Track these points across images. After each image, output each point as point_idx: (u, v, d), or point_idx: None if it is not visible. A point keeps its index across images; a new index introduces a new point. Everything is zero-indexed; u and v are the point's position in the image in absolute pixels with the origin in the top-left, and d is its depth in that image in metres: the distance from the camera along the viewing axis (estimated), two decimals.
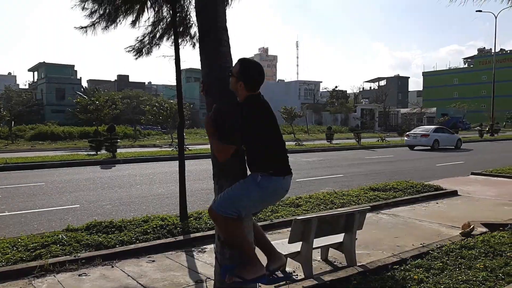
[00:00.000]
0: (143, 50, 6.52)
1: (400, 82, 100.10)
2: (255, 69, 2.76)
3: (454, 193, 9.28)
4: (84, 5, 5.46)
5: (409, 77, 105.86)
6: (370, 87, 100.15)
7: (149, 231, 5.61)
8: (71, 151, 22.67)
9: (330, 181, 11.51)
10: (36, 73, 66.08)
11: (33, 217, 7.36)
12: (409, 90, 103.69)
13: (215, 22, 2.95)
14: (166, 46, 6.38)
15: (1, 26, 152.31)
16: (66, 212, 7.71)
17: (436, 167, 15.43)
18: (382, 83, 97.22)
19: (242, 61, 2.78)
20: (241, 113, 2.68)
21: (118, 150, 19.17)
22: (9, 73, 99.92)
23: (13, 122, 30.26)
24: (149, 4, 6.01)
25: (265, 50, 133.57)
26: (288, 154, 2.93)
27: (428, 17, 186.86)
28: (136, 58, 6.53)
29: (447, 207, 8.00)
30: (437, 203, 8.34)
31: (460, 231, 5.62)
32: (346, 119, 62.45)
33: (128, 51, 6.51)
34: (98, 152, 19.05)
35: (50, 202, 8.64)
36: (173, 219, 6.10)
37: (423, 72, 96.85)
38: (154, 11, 5.95)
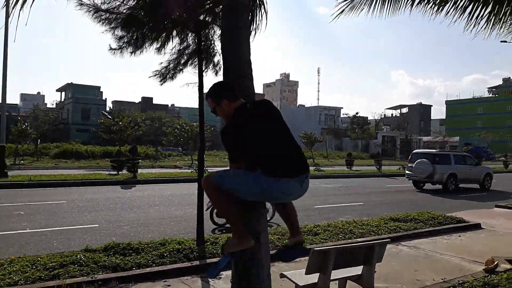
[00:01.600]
0: (168, 76, 6.68)
1: (423, 110, 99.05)
2: (220, 83, 2.93)
3: (477, 226, 9.03)
4: (114, 31, 5.67)
5: (431, 105, 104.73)
6: (392, 114, 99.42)
7: (165, 254, 5.62)
8: (93, 170, 23.08)
9: (349, 209, 11.36)
10: (63, 93, 68.20)
11: (54, 235, 7.48)
12: (432, 118, 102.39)
13: (239, 57, 3.03)
14: (189, 72, 6.53)
15: (32, 48, 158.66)
16: (86, 232, 7.81)
17: (458, 197, 15.07)
18: (404, 110, 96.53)
19: (211, 87, 2.91)
20: (235, 125, 2.77)
21: (139, 171, 19.42)
22: (38, 93, 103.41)
23: (39, 140, 31.07)
24: (174, 32, 6.19)
25: (287, 76, 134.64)
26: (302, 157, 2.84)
27: (451, 46, 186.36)
28: (161, 84, 6.70)
29: (470, 240, 7.78)
30: (459, 236, 8.12)
31: (484, 267, 5.44)
32: (367, 145, 61.95)
33: (154, 75, 6.69)
34: (120, 172, 19.34)
35: (70, 221, 8.78)
36: (190, 243, 6.10)
37: (446, 101, 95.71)
38: (180, 39, 6.13)
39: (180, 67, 6.65)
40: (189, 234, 7.27)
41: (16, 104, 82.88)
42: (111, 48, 5.81)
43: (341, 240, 6.84)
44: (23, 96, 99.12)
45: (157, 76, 6.65)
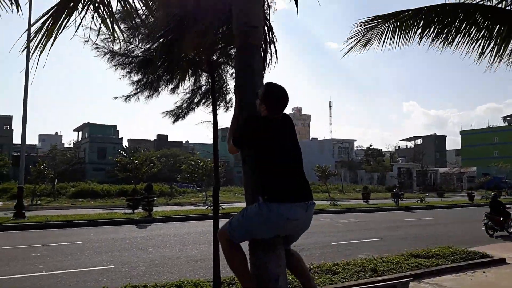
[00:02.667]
0: (181, 115, 6.79)
1: (437, 140, 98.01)
2: (278, 93, 2.89)
3: (502, 261, 8.70)
4: (130, 76, 5.83)
5: (446, 136, 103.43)
6: (406, 146, 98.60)
7: None
8: (109, 209, 23.16)
9: (368, 245, 11.08)
10: (80, 133, 69.62)
11: (69, 277, 7.43)
12: (447, 149, 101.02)
13: (253, 96, 3.07)
14: (201, 110, 6.63)
15: (50, 88, 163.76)
16: (101, 273, 7.74)
17: (480, 231, 14.62)
18: (419, 141, 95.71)
19: (267, 85, 2.94)
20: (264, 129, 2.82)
21: (154, 209, 19.41)
22: (56, 133, 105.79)
23: (56, 180, 31.47)
24: (189, 73, 6.34)
25: (299, 110, 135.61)
26: (303, 181, 2.84)
27: (463, 76, 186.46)
28: (174, 122, 6.80)
29: (495, 276, 7.47)
30: (484, 272, 7.82)
31: None
32: (382, 178, 61.17)
33: (167, 115, 6.81)
34: (135, 211, 19.34)
35: (86, 262, 8.74)
36: (206, 284, 5.99)
37: (460, 131, 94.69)
38: (194, 79, 6.27)
39: (193, 106, 6.76)
40: (205, 275, 7.15)
41: (35, 145, 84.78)
42: (126, 97, 5.96)
43: (361, 279, 6.64)
44: (42, 137, 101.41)
45: (170, 115, 6.76)
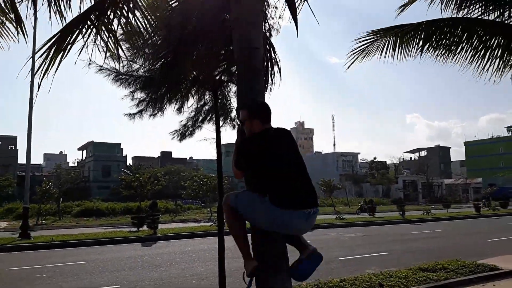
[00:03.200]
0: (187, 134, 6.83)
1: (442, 152, 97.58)
2: (264, 104, 3.06)
3: None
4: (133, 95, 5.91)
5: (450, 147, 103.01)
6: (411, 158, 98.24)
7: None
8: (114, 227, 23.11)
9: (375, 260, 10.98)
10: (85, 151, 69.93)
11: None
12: (452, 160, 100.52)
13: None
14: (206, 128, 6.67)
15: (55, 108, 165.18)
16: None
17: (489, 242, 14.48)
18: (423, 153, 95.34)
19: (252, 102, 3.09)
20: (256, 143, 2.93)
21: (160, 226, 19.36)
22: (61, 152, 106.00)
23: (61, 199, 31.50)
24: (193, 92, 6.40)
25: (301, 124, 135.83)
26: (310, 188, 2.89)
27: (465, 87, 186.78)
28: (180, 141, 6.85)
29: None
30: (494, 285, 7.72)
31: None
32: (387, 190, 60.87)
33: (173, 135, 6.86)
34: (140, 229, 19.28)
35: (92, 282, 8.70)
36: None
37: (465, 142, 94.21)
38: (197, 97, 6.33)
39: (199, 124, 6.81)
40: None
41: (40, 164, 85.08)
42: (130, 114, 6.02)
43: None
44: (46, 156, 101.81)
45: (176, 135, 6.81)
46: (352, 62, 6.22)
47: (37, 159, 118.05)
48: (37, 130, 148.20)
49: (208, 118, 6.85)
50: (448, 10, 5.85)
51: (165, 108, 6.14)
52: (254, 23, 3.18)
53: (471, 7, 5.69)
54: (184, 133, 6.75)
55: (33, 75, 17.20)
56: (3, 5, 3.44)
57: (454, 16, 5.75)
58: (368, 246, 13.89)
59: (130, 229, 19.89)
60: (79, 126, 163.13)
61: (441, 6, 5.69)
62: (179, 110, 6.17)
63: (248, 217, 2.89)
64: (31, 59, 5.01)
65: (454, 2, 5.76)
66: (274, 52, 4.35)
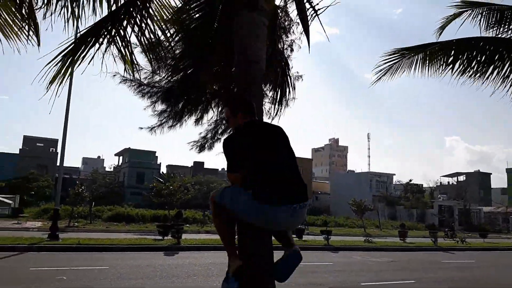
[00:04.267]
0: (206, 146, 6.81)
1: (481, 178, 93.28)
2: (243, 97, 3.07)
3: None
4: (154, 106, 5.96)
5: (491, 173, 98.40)
6: (448, 182, 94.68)
7: None
8: (141, 234, 23.41)
9: None
10: (121, 157, 71.85)
11: None
12: (492, 187, 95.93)
13: None
14: None
15: (94, 114, 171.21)
16: None
17: None
18: (461, 178, 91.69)
19: (231, 97, 3.21)
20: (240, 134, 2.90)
21: (185, 236, 19.43)
22: (98, 157, 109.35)
23: (93, 203, 32.35)
24: (213, 104, 6.39)
25: (336, 141, 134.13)
26: (299, 184, 2.76)
27: (508, 110, 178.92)
28: (199, 153, 6.82)
29: None
30: None
31: None
32: (422, 215, 58.74)
33: (192, 146, 6.85)
34: (165, 237, 19.43)
35: None
36: None
37: (507, 169, 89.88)
38: (217, 110, 6.30)
39: (218, 136, 6.78)
40: None
41: (78, 167, 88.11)
42: (151, 128, 6.07)
43: None
44: (85, 160, 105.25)
45: (195, 146, 6.80)
46: (379, 78, 6.05)
47: (76, 162, 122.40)
48: (76, 135, 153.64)
49: (229, 130, 6.81)
50: (476, 30, 5.59)
51: (185, 119, 6.15)
52: (251, 36, 3.11)
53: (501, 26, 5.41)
54: (203, 144, 6.73)
55: (71, 80, 17.93)
56: (22, 11, 3.54)
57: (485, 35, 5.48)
58: (394, 273, 13.34)
59: (155, 237, 20.08)
60: (118, 133, 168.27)
61: (479, 25, 5.43)
62: (197, 121, 6.16)
63: (234, 211, 2.77)
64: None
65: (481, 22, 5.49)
66: (288, 69, 4.26)
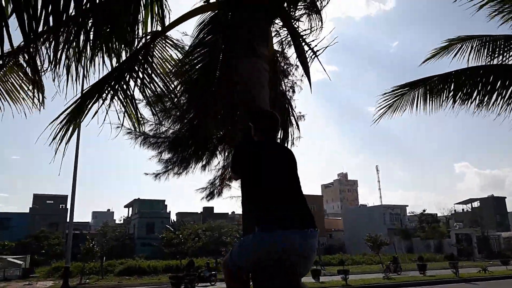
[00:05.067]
0: (215, 192, 6.79)
1: (496, 202, 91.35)
2: (266, 113, 3.04)
3: None
4: (160, 156, 6.00)
5: (505, 197, 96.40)
6: (463, 209, 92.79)
7: None
8: (154, 286, 22.88)
9: None
10: (131, 208, 71.47)
11: None
12: (508, 211, 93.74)
13: None
14: (235, 188, 6.60)
15: (101, 167, 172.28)
16: None
17: None
18: (476, 204, 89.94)
19: (255, 110, 3.10)
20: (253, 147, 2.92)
21: (200, 285, 18.91)
22: (108, 210, 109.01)
23: (104, 258, 31.90)
24: (219, 148, 6.43)
25: (344, 176, 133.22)
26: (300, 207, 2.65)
27: None
28: (208, 200, 6.80)
29: None
30: None
31: None
32: (439, 245, 57.18)
33: (201, 193, 6.83)
34: None
35: None
36: None
37: None
38: (223, 156, 6.33)
39: (226, 182, 6.76)
40: None
41: (88, 222, 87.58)
42: (156, 174, 6.09)
43: None
44: (94, 214, 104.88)
45: (204, 193, 6.78)
46: (380, 117, 6.09)
47: (86, 217, 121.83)
48: (86, 189, 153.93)
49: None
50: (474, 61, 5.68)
51: (191, 166, 6.17)
52: (253, 81, 3.18)
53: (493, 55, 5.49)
54: (212, 191, 6.71)
55: (78, 139, 18.28)
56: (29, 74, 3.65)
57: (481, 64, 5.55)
58: None
59: None
60: (126, 184, 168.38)
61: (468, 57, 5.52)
62: (204, 167, 6.18)
63: (247, 259, 2.60)
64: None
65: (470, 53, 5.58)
66: (292, 109, 4.32)
